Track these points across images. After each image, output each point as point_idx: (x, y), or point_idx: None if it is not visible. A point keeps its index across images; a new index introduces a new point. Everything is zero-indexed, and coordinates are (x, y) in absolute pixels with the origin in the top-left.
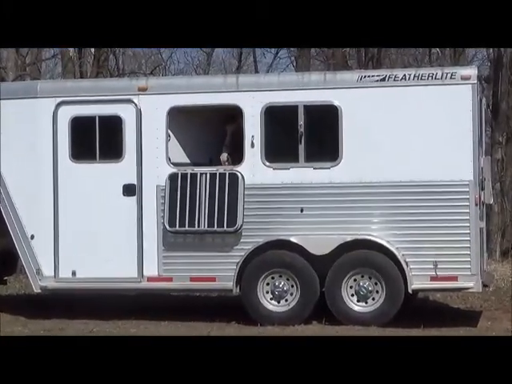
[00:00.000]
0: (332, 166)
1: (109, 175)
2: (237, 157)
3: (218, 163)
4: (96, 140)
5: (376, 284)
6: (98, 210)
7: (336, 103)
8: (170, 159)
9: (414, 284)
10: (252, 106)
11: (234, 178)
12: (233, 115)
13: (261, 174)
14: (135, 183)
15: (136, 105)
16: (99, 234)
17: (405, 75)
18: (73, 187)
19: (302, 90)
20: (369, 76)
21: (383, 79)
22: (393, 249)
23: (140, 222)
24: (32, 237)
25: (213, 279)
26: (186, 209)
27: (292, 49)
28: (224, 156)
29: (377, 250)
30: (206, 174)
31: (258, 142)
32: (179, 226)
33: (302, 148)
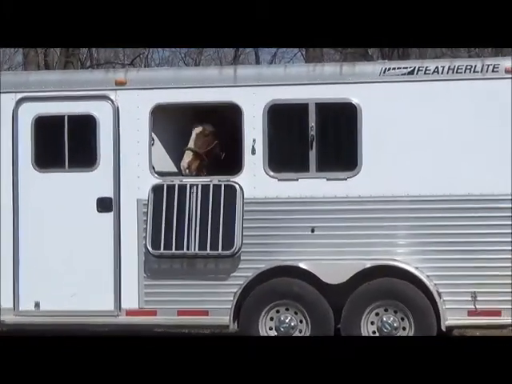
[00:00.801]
0: (349, 177)
1: (80, 187)
2: (209, 165)
3: (207, 171)
4: (65, 144)
5: (402, 319)
6: (66, 229)
7: (354, 101)
8: (153, 168)
9: (449, 319)
10: (253, 104)
11: (230, 190)
12: (204, 112)
13: (263, 185)
14: (112, 196)
15: (113, 102)
16: (68, 258)
17: (437, 68)
18: (36, 201)
19: (314, 84)
20: (394, 68)
21: (411, 72)
22: (422, 277)
23: (117, 244)
24: None
25: (205, 313)
26: (173, 228)
27: None
28: (184, 162)
29: (403, 279)
30: (196, 185)
31: (259, 147)
32: (165, 249)
33: (312, 155)
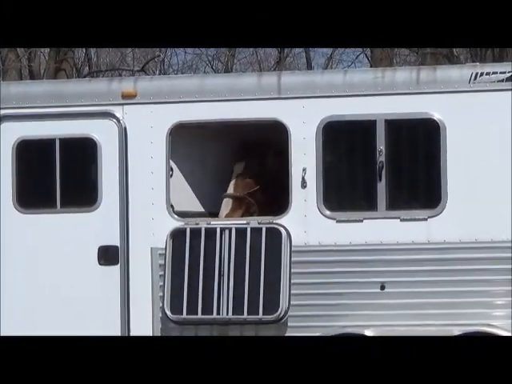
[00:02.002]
0: (430, 217)
1: (76, 232)
2: (260, 210)
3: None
4: (56, 176)
5: None
6: (58, 288)
7: (436, 116)
8: (172, 207)
9: None
10: (303, 122)
11: (274, 236)
12: (247, 145)
13: (317, 229)
14: (118, 245)
15: (119, 120)
16: (62, 323)
17: None
18: (19, 250)
19: (383, 95)
20: (488, 73)
21: (511, 78)
22: None
23: (125, 307)
24: None
25: None
26: (199, 285)
27: None
28: (222, 214)
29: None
30: (229, 229)
31: (312, 178)
32: (188, 313)
33: (382, 188)
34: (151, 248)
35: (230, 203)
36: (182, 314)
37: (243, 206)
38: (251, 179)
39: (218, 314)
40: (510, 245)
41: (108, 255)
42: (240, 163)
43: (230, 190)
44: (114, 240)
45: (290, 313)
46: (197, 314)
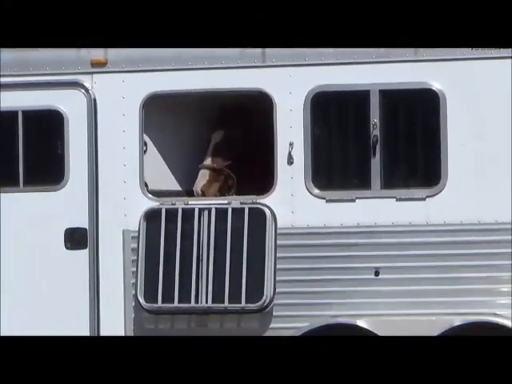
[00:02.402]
0: (429, 196)
1: (41, 213)
2: (238, 185)
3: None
4: (18, 152)
5: None
6: (22, 273)
7: (435, 86)
8: (146, 185)
9: None
10: (289, 92)
11: (258, 217)
12: (227, 111)
13: (305, 209)
14: (86, 227)
15: (88, 91)
16: (25, 311)
17: None
18: None
19: (377, 63)
20: None
21: None
22: None
23: (95, 295)
24: None
25: None
26: (175, 272)
27: None
28: (198, 186)
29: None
30: (209, 210)
31: (299, 154)
32: (163, 302)
33: (375, 164)
34: (123, 230)
35: (207, 175)
36: (156, 303)
37: (221, 179)
38: (231, 150)
39: (197, 302)
40: (510, 227)
41: (75, 238)
42: (219, 131)
43: (208, 160)
44: (82, 222)
45: (275, 301)
46: (173, 302)
